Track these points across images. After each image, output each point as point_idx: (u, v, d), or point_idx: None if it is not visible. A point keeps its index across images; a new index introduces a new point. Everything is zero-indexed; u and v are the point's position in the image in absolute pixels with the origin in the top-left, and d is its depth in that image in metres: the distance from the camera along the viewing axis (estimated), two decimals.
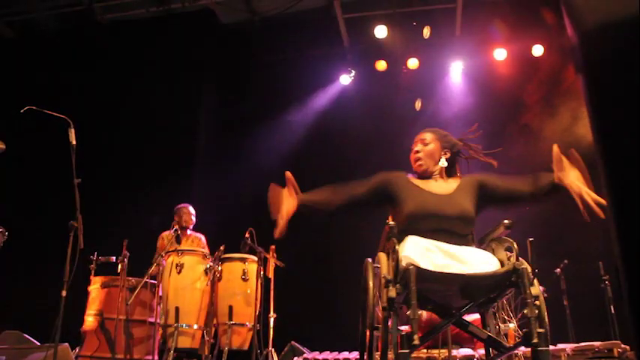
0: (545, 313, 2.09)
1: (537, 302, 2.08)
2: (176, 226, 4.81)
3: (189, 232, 5.35)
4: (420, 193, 2.52)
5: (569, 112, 6.19)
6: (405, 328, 2.78)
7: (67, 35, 7.21)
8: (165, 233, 5.22)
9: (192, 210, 5.41)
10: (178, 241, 4.69)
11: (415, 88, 6.74)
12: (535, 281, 2.14)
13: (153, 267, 4.39)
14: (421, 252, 2.18)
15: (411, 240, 2.25)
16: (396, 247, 2.18)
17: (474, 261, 2.21)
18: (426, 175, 2.64)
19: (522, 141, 6.17)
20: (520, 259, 2.19)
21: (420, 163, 2.66)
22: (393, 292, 2.07)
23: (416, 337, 1.95)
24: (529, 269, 2.14)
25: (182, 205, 5.42)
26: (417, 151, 2.69)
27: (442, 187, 2.58)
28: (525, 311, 2.08)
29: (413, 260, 2.11)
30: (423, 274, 2.07)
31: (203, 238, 5.41)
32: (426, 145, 2.69)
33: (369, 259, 2.46)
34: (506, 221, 2.34)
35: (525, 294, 2.07)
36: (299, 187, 2.49)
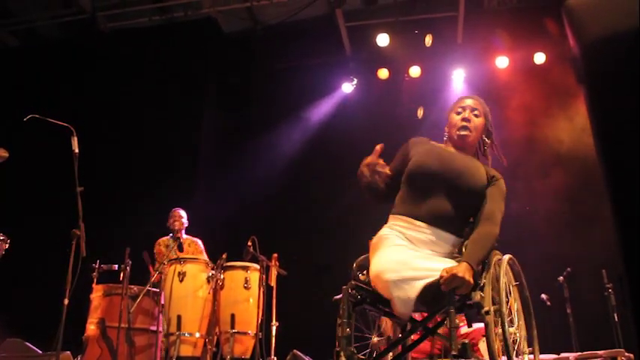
0: (498, 329, 1.92)
1: (488, 309, 1.90)
2: (178, 235, 4.81)
3: (184, 235, 5.27)
4: (433, 149, 2.30)
5: (571, 120, 6.19)
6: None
7: (70, 44, 7.26)
8: (162, 239, 5.21)
9: (182, 213, 5.28)
10: (181, 248, 4.68)
11: (417, 96, 6.75)
12: (481, 291, 1.98)
13: (155, 275, 4.39)
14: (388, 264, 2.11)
15: (379, 254, 2.17)
16: (359, 273, 2.29)
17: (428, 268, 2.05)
18: (459, 146, 2.34)
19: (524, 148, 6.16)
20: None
21: (467, 132, 2.32)
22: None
23: None
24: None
25: (174, 208, 5.37)
26: (467, 119, 2.33)
27: (463, 154, 2.32)
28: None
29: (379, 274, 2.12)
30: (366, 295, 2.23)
31: (200, 242, 5.36)
32: (477, 116, 2.37)
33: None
34: None
35: (449, 304, 1.92)
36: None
